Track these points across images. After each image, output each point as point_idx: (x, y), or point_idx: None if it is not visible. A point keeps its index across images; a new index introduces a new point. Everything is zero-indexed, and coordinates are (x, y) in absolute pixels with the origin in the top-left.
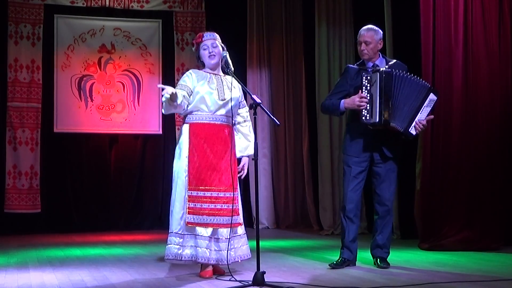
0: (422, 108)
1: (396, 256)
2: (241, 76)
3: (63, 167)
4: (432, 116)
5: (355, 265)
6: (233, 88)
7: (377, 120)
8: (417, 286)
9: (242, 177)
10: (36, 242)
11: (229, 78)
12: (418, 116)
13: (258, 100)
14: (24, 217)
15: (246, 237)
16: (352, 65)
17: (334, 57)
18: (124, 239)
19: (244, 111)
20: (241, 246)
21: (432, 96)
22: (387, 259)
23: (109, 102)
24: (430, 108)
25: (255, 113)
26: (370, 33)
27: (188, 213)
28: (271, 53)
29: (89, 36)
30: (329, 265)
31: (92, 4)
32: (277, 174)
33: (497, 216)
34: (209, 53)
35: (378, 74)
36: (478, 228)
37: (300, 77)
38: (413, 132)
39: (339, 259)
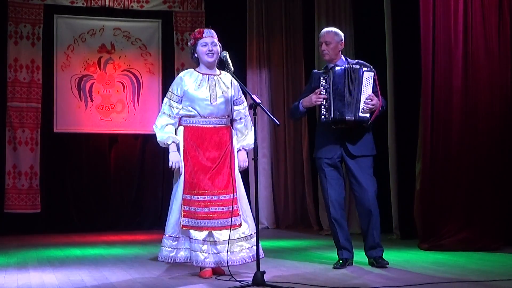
0: (362, 89)
1: (396, 256)
2: (241, 76)
3: (63, 167)
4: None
5: (352, 264)
6: (226, 89)
7: (332, 116)
8: (417, 286)
9: (240, 169)
10: (36, 242)
11: (223, 76)
12: (362, 97)
13: (258, 100)
14: (24, 217)
15: (255, 239)
16: (316, 70)
17: None
18: (124, 239)
19: (241, 108)
20: (252, 246)
21: (366, 74)
22: (383, 256)
23: (109, 102)
24: (371, 84)
25: (255, 113)
26: (331, 34)
27: (183, 216)
28: (271, 53)
29: (89, 36)
30: (333, 268)
31: (92, 4)
32: (277, 174)
33: (497, 216)
34: (208, 50)
35: (331, 72)
36: (478, 228)
37: (300, 77)
38: (362, 115)
39: (339, 260)
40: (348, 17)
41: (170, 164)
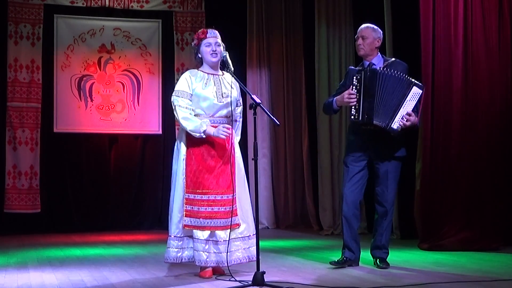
0: (404, 103)
1: (396, 256)
2: (241, 76)
3: (63, 167)
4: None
5: (358, 265)
6: (231, 88)
7: (360, 118)
8: (417, 286)
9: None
10: (36, 242)
11: (227, 76)
12: (400, 111)
13: (258, 100)
14: (24, 217)
15: (253, 241)
16: (353, 67)
17: (334, 57)
18: (124, 239)
19: (238, 111)
20: (249, 247)
21: (415, 90)
22: (387, 259)
23: (109, 102)
24: (415, 101)
25: (255, 113)
26: (368, 29)
27: (185, 216)
28: (271, 53)
29: (89, 36)
30: (330, 263)
31: (92, 4)
32: (277, 174)
33: (497, 216)
34: (212, 51)
35: (362, 72)
36: (478, 228)
37: (300, 77)
38: (395, 127)
39: (340, 258)
40: (348, 17)
41: (223, 134)
